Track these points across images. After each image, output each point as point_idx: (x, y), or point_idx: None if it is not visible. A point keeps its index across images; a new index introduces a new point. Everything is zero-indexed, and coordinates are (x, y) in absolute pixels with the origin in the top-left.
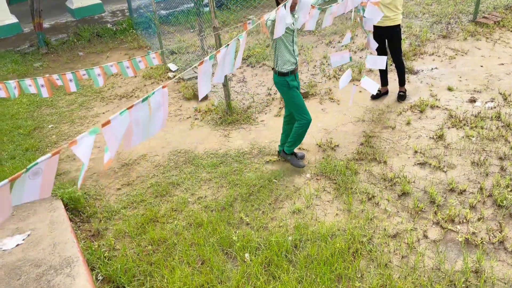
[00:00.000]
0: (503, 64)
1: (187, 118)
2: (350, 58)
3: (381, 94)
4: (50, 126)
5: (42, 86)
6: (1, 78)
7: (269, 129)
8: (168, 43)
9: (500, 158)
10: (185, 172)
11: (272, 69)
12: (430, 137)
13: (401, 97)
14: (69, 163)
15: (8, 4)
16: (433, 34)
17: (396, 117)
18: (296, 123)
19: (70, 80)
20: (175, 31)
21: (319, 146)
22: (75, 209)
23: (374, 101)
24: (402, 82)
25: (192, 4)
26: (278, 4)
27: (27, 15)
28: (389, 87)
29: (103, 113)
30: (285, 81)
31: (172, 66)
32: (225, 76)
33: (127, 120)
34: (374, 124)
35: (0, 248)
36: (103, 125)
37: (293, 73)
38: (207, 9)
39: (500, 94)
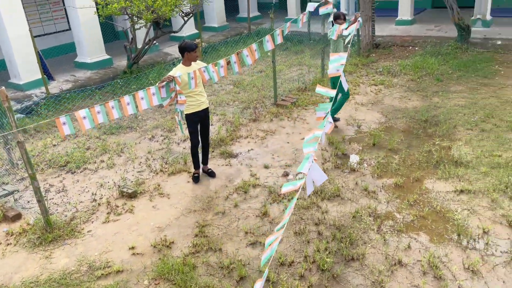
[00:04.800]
0: (303, 139)
1: None
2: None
3: (199, 176)
4: None
5: None
6: None
7: (98, 238)
8: None
9: (316, 224)
10: None
11: None
12: (256, 216)
13: (213, 173)
14: None
15: None
16: (245, 118)
17: (225, 202)
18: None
19: None
20: None
21: (154, 247)
22: None
23: (202, 188)
24: (207, 161)
25: None
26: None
27: None
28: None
29: None
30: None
31: None
32: (39, 189)
33: None
34: (206, 213)
35: None
36: None
37: None
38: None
39: None
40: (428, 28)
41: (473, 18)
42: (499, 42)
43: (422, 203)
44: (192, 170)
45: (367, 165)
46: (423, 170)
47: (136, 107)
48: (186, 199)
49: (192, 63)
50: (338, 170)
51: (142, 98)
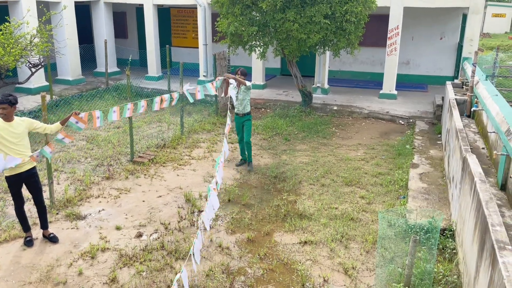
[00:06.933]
0: (161, 196)
1: None
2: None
3: (32, 241)
4: None
5: None
6: None
7: None
8: None
9: (168, 287)
10: None
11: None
12: (104, 283)
13: (55, 238)
14: None
15: None
16: (97, 176)
17: (67, 270)
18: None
19: None
20: None
21: None
22: None
23: (41, 256)
24: (47, 225)
25: None
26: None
27: None
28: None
29: None
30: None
31: None
32: None
33: None
34: (43, 284)
35: None
36: None
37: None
38: None
39: (162, 224)
40: (278, 93)
41: (314, 86)
42: (335, 108)
43: (271, 256)
44: (24, 234)
45: (221, 222)
46: (272, 224)
47: None
48: (20, 270)
49: (16, 119)
50: (194, 228)
51: None
